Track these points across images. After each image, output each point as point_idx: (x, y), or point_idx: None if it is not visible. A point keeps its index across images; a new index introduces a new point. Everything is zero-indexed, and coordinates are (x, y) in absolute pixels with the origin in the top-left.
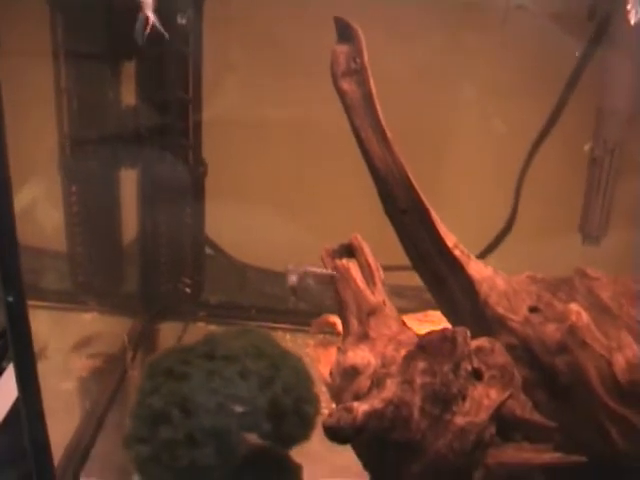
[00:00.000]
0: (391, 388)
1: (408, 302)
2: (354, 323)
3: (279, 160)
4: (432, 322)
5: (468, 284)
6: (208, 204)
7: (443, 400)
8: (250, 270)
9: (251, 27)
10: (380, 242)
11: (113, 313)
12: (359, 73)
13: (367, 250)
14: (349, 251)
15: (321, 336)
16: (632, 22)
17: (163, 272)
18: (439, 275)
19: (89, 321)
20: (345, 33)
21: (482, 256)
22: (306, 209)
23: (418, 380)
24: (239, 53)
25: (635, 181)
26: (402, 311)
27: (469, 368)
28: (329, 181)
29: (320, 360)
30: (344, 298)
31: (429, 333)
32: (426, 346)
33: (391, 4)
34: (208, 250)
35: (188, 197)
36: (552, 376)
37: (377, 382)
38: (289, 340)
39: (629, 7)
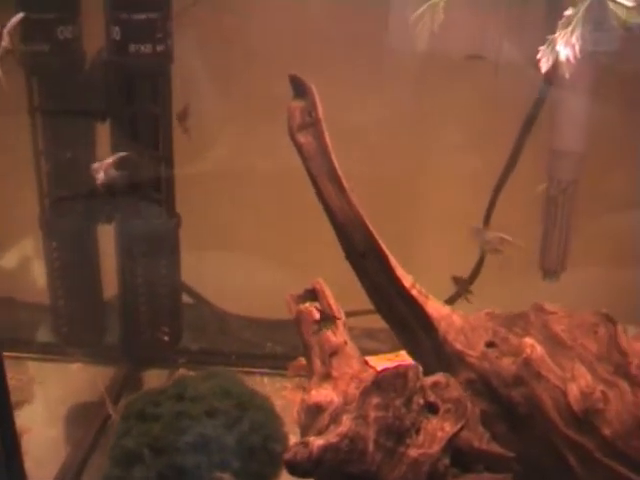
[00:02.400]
0: (346, 423)
1: (380, 344)
2: (317, 363)
3: (258, 208)
4: (403, 362)
5: (427, 322)
6: (189, 254)
7: (396, 433)
8: (230, 317)
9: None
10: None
11: (97, 363)
12: (314, 126)
13: (329, 293)
14: (312, 295)
15: (297, 379)
16: (542, 70)
17: (142, 322)
18: (400, 315)
19: (75, 371)
20: (300, 89)
21: (457, 297)
22: (284, 256)
23: (372, 414)
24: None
25: (589, 217)
26: (374, 352)
27: (421, 402)
28: (306, 227)
29: (296, 402)
30: (307, 340)
31: (383, 370)
32: (380, 382)
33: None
34: (189, 299)
35: (163, 249)
36: (510, 408)
37: (334, 418)
38: (267, 383)
39: (539, 56)
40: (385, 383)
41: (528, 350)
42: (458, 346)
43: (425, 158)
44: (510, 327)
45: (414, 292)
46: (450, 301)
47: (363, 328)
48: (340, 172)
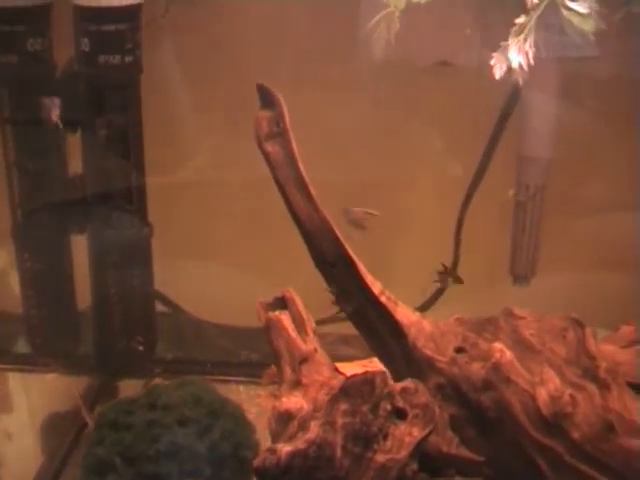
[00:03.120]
0: (314, 430)
1: (355, 350)
2: (287, 371)
3: (233, 216)
4: (377, 368)
5: (397, 329)
6: (165, 263)
7: (364, 439)
8: (206, 325)
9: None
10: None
11: (72, 373)
12: (282, 136)
13: (298, 301)
14: (282, 303)
15: (272, 386)
16: (497, 77)
17: (116, 332)
18: (370, 322)
19: (49, 381)
20: (267, 99)
21: (430, 303)
22: (259, 264)
23: (339, 421)
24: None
25: (559, 222)
26: (350, 358)
27: (388, 408)
28: (281, 235)
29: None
30: (277, 348)
31: (351, 377)
32: (348, 389)
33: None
34: (165, 308)
35: (136, 259)
36: (480, 412)
37: (302, 425)
38: (242, 391)
39: (493, 62)
40: (353, 390)
41: (497, 355)
42: (428, 352)
43: (397, 165)
44: (479, 332)
45: (383, 299)
46: (426, 306)
47: (338, 334)
48: (308, 181)
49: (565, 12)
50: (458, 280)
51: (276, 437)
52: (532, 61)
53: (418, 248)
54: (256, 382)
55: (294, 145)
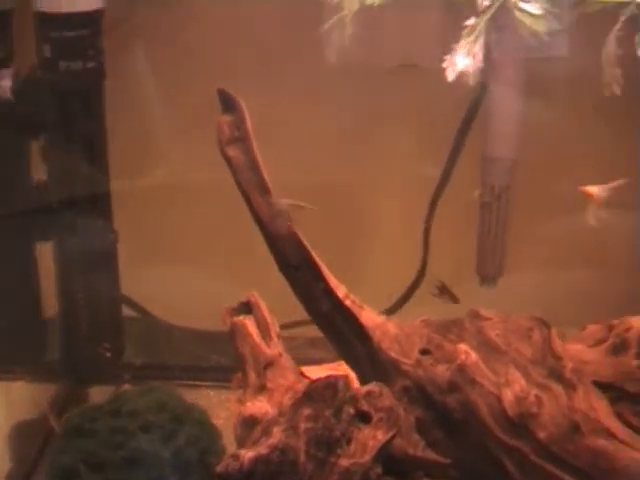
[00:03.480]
0: (277, 435)
1: (324, 352)
2: (252, 376)
3: (202, 220)
4: (344, 371)
5: (362, 332)
6: (134, 268)
7: (327, 443)
8: (175, 330)
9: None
10: None
11: (40, 381)
12: (243, 140)
13: (263, 306)
14: (247, 308)
15: (241, 391)
16: (449, 79)
17: (83, 338)
18: (335, 326)
19: (17, 389)
20: (228, 104)
21: (399, 305)
22: (229, 267)
23: (302, 425)
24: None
25: (525, 222)
26: (319, 361)
27: (351, 412)
28: (250, 238)
29: None
30: (242, 352)
31: (314, 381)
32: (311, 393)
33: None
34: (134, 313)
35: (101, 265)
36: (446, 414)
37: (265, 430)
38: (213, 396)
39: (445, 64)
40: (315, 394)
41: (462, 356)
42: (393, 354)
43: (365, 167)
44: (445, 334)
45: (348, 302)
46: (395, 307)
47: (307, 337)
48: (270, 185)
49: (518, 13)
50: (454, 299)
51: (241, 442)
52: (481, 63)
53: (386, 250)
54: (226, 386)
55: (256, 149)
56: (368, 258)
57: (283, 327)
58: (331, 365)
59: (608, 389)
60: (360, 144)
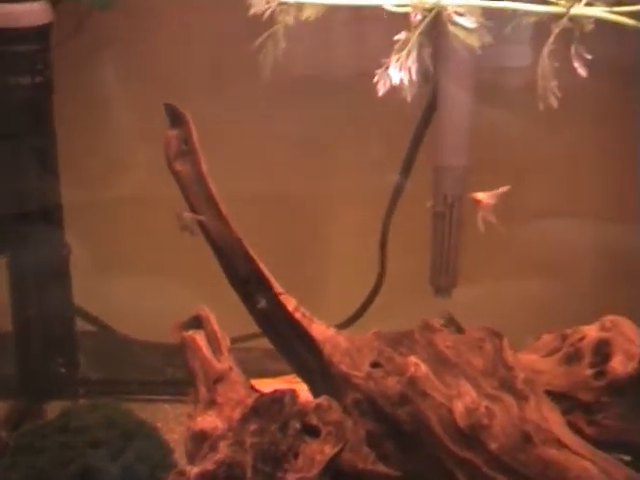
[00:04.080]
0: (223, 450)
1: (281, 365)
2: (202, 390)
3: (159, 232)
4: (299, 384)
5: (312, 345)
6: (92, 280)
7: (273, 458)
8: (133, 343)
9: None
10: None
11: None
12: (190, 154)
13: (213, 320)
14: (198, 322)
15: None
16: (380, 93)
17: (37, 354)
18: (286, 339)
19: None
20: (175, 118)
21: (356, 317)
22: (187, 279)
23: (249, 440)
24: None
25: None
26: (275, 373)
27: (298, 426)
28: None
29: None
30: (192, 367)
31: (261, 396)
32: (258, 408)
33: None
34: (92, 327)
35: (54, 279)
36: (397, 427)
37: (212, 445)
38: (169, 410)
39: (376, 79)
40: (262, 408)
41: (412, 369)
42: (343, 367)
43: (321, 178)
44: (396, 346)
45: (298, 315)
46: (352, 320)
47: (264, 349)
48: (218, 199)
49: (451, 27)
50: (459, 329)
51: (191, 458)
52: (415, 77)
53: (343, 262)
54: (182, 400)
55: (203, 163)
56: (325, 270)
57: (241, 339)
58: (287, 377)
59: (562, 399)
60: (315, 156)
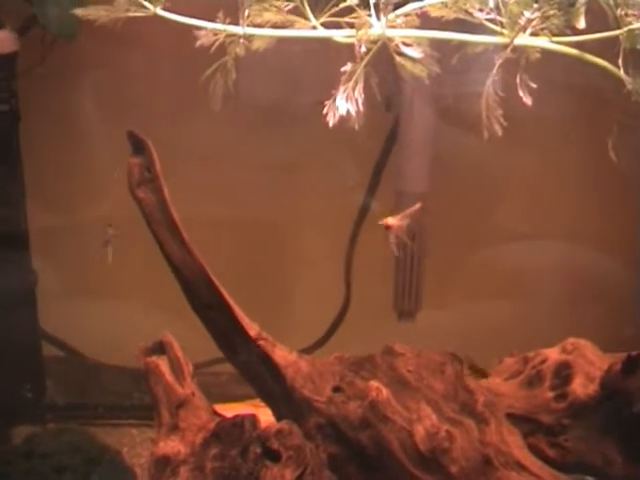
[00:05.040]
0: (184, 475)
1: (248, 389)
2: (165, 415)
3: (125, 258)
4: (264, 408)
5: (275, 370)
6: (61, 306)
7: None
8: (101, 368)
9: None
10: None
11: None
12: (153, 182)
13: (176, 346)
14: (162, 348)
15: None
16: (330, 124)
17: (3, 379)
18: (249, 365)
19: None
20: (137, 145)
21: (324, 340)
22: (155, 303)
23: (209, 465)
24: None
25: (439, 256)
26: (242, 398)
27: (258, 451)
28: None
29: None
30: (155, 392)
31: (222, 421)
32: (219, 433)
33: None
34: (60, 352)
35: (21, 305)
36: (359, 451)
37: (173, 471)
38: (136, 435)
39: (325, 110)
40: (223, 433)
41: (373, 393)
42: (306, 392)
43: (287, 204)
44: (357, 371)
45: (260, 341)
46: (318, 344)
47: (231, 373)
48: (180, 226)
49: (398, 58)
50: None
51: None
52: (362, 107)
53: (309, 286)
54: (149, 425)
55: (165, 191)
56: (291, 295)
57: (209, 364)
58: (253, 402)
59: (524, 421)
60: (281, 182)
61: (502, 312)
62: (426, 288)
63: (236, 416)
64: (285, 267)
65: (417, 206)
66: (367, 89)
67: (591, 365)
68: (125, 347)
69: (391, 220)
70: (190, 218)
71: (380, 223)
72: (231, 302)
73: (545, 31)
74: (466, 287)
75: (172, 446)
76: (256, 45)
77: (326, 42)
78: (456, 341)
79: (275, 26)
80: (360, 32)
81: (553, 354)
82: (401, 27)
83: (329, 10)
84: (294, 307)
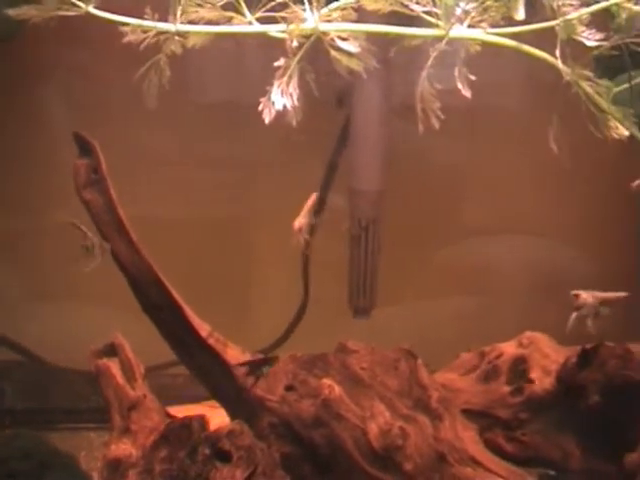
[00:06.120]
0: (132, 478)
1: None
2: (117, 418)
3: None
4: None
5: (226, 370)
6: (20, 309)
7: None
8: (60, 372)
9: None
10: None
11: None
12: (100, 183)
13: (127, 348)
14: (113, 350)
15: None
16: (266, 121)
17: None
18: (202, 365)
19: None
20: (84, 147)
21: (283, 339)
22: (115, 305)
23: (158, 467)
24: None
25: (395, 253)
26: (199, 400)
27: (207, 452)
28: None
29: None
30: (107, 395)
31: (170, 422)
32: (168, 435)
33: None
34: (19, 356)
35: None
36: (313, 450)
37: (122, 474)
38: (94, 438)
39: (261, 107)
40: (172, 435)
41: (326, 391)
42: (258, 392)
43: (244, 203)
44: (310, 369)
45: (211, 341)
46: (277, 344)
47: (188, 375)
48: (128, 226)
49: (333, 52)
50: None
51: None
52: (297, 102)
53: (267, 286)
54: (107, 428)
55: (112, 192)
56: (250, 295)
57: (167, 366)
58: (210, 403)
59: (481, 416)
60: (239, 180)
61: (457, 308)
62: (382, 285)
63: (184, 417)
64: (242, 267)
65: (312, 198)
66: (319, 86)
67: (547, 359)
68: (84, 350)
69: (299, 221)
70: (145, 218)
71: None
72: (181, 302)
73: (484, 23)
74: (422, 284)
75: (123, 449)
76: (192, 42)
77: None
78: (411, 338)
79: (211, 23)
80: (291, 26)
81: (509, 348)
82: (337, 21)
83: (264, 5)
84: (252, 307)
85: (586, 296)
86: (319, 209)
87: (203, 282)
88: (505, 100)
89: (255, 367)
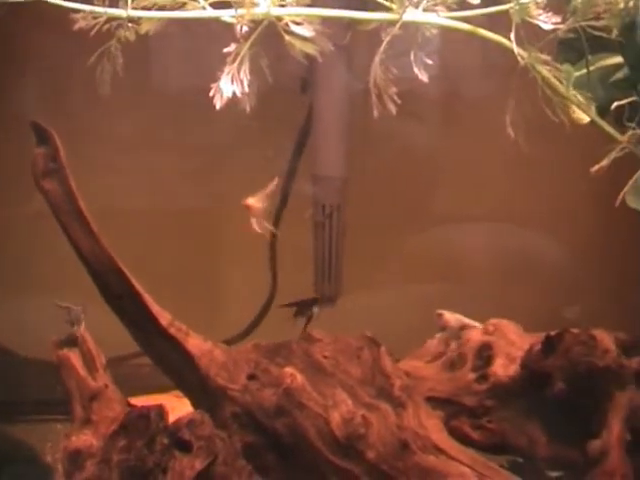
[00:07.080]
0: (90, 469)
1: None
2: (78, 409)
3: (52, 250)
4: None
5: (188, 360)
6: None
7: (140, 475)
8: (27, 363)
9: None
10: None
11: None
12: (58, 172)
13: (88, 338)
14: (74, 340)
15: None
16: (217, 107)
17: None
18: (164, 355)
19: None
20: (42, 136)
21: (253, 326)
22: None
23: (115, 457)
24: None
25: (361, 240)
26: (164, 389)
27: (165, 442)
28: None
29: None
30: (68, 386)
31: (129, 412)
32: (126, 424)
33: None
34: None
35: None
36: (275, 439)
37: (79, 465)
38: (60, 430)
39: (212, 93)
40: (130, 425)
41: (288, 380)
42: (220, 381)
43: (211, 192)
44: (272, 358)
45: (172, 330)
46: (246, 332)
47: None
48: (88, 216)
49: (287, 37)
50: None
51: (68, 477)
52: (247, 88)
53: (235, 274)
54: None
55: (71, 181)
56: (218, 283)
57: (133, 356)
58: (176, 392)
59: (446, 404)
60: (203, 170)
61: (423, 295)
62: (347, 272)
63: (142, 407)
64: (208, 256)
65: (274, 184)
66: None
67: (512, 346)
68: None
69: (251, 200)
70: (111, 207)
71: (242, 204)
72: (141, 291)
73: (439, 7)
74: (387, 271)
75: (84, 440)
76: (144, 28)
77: None
78: (379, 325)
79: (163, 8)
80: (240, 11)
81: (475, 335)
82: (292, 5)
83: None
84: (219, 296)
85: (449, 317)
86: (284, 197)
87: (170, 273)
88: (473, 84)
89: (305, 307)
